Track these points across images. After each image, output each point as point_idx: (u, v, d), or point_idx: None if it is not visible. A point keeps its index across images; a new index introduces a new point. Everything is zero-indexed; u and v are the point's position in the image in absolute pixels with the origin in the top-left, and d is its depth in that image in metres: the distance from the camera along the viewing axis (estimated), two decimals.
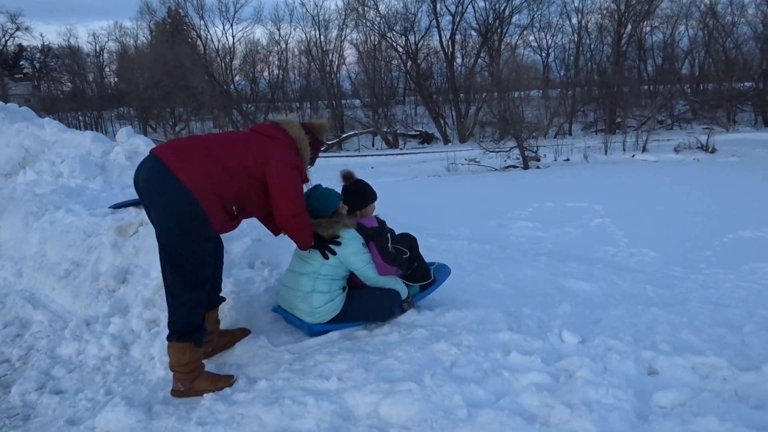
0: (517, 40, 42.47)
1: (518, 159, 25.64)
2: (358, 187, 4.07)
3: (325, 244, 3.62)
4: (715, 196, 15.35)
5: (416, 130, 37.87)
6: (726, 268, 9.71)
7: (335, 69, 42.37)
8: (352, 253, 3.63)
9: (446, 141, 35.97)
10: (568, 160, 27.40)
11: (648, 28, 41.76)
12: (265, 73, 45.49)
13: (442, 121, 37.38)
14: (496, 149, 26.35)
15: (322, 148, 3.86)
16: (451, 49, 37.86)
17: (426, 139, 36.55)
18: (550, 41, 47.36)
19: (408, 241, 4.13)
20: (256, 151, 3.26)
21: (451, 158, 26.31)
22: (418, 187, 20.65)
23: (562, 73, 45.28)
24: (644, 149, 28.56)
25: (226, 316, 3.93)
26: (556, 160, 27.36)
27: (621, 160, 26.78)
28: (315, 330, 3.71)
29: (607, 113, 36.62)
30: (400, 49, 38.93)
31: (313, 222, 3.62)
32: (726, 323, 4.91)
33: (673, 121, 38.52)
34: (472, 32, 39.66)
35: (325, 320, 3.68)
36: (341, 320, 3.72)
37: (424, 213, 14.65)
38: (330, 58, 41.59)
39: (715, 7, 39.81)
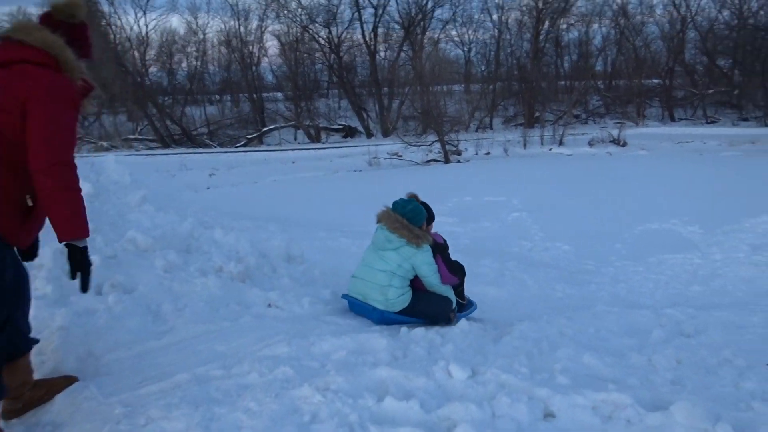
0: (440, 34, 42.50)
1: (440, 153, 25.45)
2: (424, 207, 4.68)
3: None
4: (625, 190, 15.56)
5: (339, 124, 37.08)
6: (635, 260, 9.72)
7: (256, 61, 40.95)
8: (425, 262, 4.35)
9: (369, 135, 35.44)
10: (488, 153, 27.45)
11: (564, 26, 42.73)
12: (183, 64, 43.41)
13: (365, 115, 36.79)
14: (418, 143, 26.06)
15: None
16: (373, 42, 37.29)
17: (349, 133, 35.88)
18: (471, 36, 47.65)
19: (459, 266, 4.83)
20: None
21: (374, 152, 25.83)
22: (338, 182, 20.05)
23: (483, 68, 45.78)
24: (561, 143, 29.03)
25: (49, 359, 3.10)
26: (477, 153, 27.34)
27: (539, 154, 27.10)
28: (386, 317, 4.25)
29: (526, 108, 37.12)
30: (323, 41, 38.05)
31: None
32: (633, 329, 4.62)
33: (587, 116, 39.52)
34: (395, 25, 39.40)
35: (396, 310, 4.28)
36: (408, 313, 4.31)
37: (343, 209, 14.12)
38: (250, 49, 40.12)
39: (626, 7, 41.24)
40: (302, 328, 3.58)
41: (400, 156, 26.03)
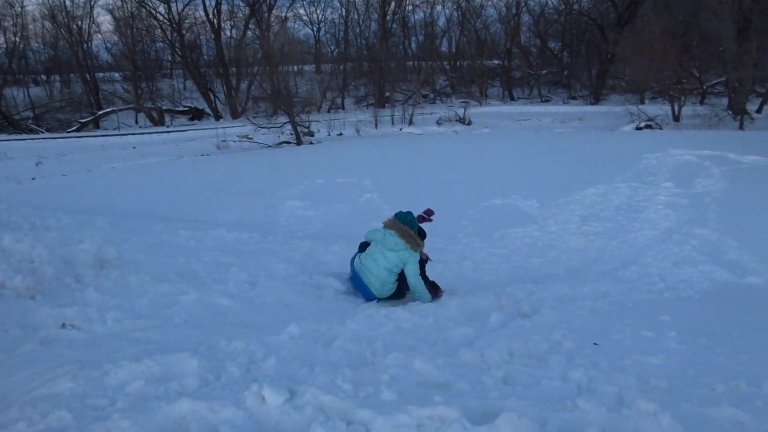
0: (288, 12, 41.51)
1: (291, 135, 24.81)
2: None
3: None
4: (471, 167, 16.08)
5: (185, 106, 34.87)
6: (481, 236, 9.96)
7: (87, 38, 37.20)
8: (411, 267, 5.35)
9: (217, 117, 33.73)
10: (341, 134, 27.28)
11: (410, 7, 43.64)
12: (1, 40, 38.37)
13: (212, 96, 34.94)
14: (269, 125, 25.18)
15: None
16: (217, 19, 35.38)
17: (196, 115, 33.89)
18: (320, 15, 47.02)
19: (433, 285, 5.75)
20: None
21: (222, 135, 24.61)
22: (183, 167, 18.75)
23: (333, 48, 45.49)
24: (410, 122, 29.57)
25: None
26: (329, 134, 27.07)
27: (390, 133, 27.40)
28: (376, 299, 5.36)
29: (377, 88, 37.44)
30: (162, 18, 35.43)
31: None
32: (474, 315, 4.57)
33: (435, 96, 40.75)
34: (240, 2, 37.70)
35: (385, 296, 5.42)
36: (394, 297, 5.44)
37: (187, 196, 13.16)
38: (80, 24, 36.34)
39: None
40: (97, 354, 2.99)
41: (251, 138, 25.06)
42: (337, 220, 10.97)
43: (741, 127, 23.64)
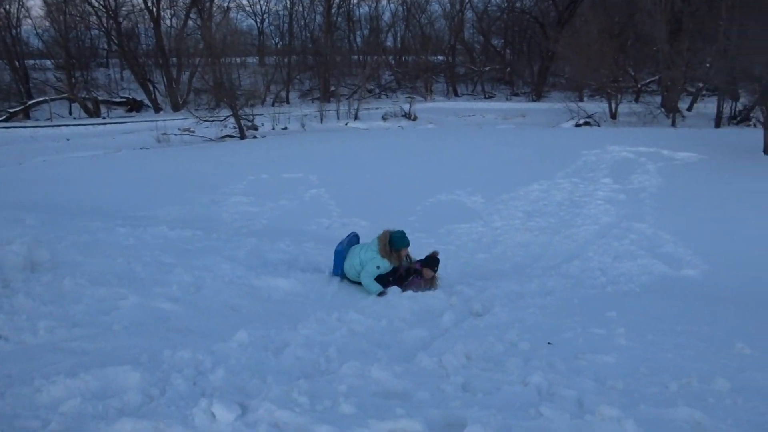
0: (230, 2, 40.56)
1: (235, 128, 24.28)
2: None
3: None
4: (417, 163, 16.08)
5: (122, 97, 33.54)
6: (427, 232, 9.95)
7: (15, 22, 35.20)
8: (370, 264, 5.90)
9: (157, 109, 32.62)
10: (285, 128, 26.91)
11: (355, 0, 43.41)
12: None
13: (151, 87, 33.74)
14: (211, 118, 24.58)
15: None
16: (156, 8, 34.16)
17: (134, 106, 32.65)
18: (264, 6, 46.14)
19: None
20: None
21: (163, 128, 23.85)
22: (121, 161, 18.05)
23: (277, 41, 44.72)
24: (356, 117, 29.44)
25: None
26: (274, 128, 26.66)
27: (336, 128, 27.19)
28: (341, 276, 6.20)
29: (322, 82, 37.10)
30: (97, 4, 33.91)
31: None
32: (426, 315, 4.53)
33: (380, 91, 40.74)
34: None
35: (352, 279, 6.01)
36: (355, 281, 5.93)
37: (126, 192, 12.62)
38: (7, 8, 34.34)
39: None
40: (28, 368, 2.74)
41: (193, 132, 24.41)
42: (283, 215, 10.78)
43: (673, 124, 24.62)
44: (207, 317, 4.08)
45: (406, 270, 6.31)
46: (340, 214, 10.91)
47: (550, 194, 12.11)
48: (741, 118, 24.12)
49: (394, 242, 6.15)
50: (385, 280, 6.03)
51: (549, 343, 3.48)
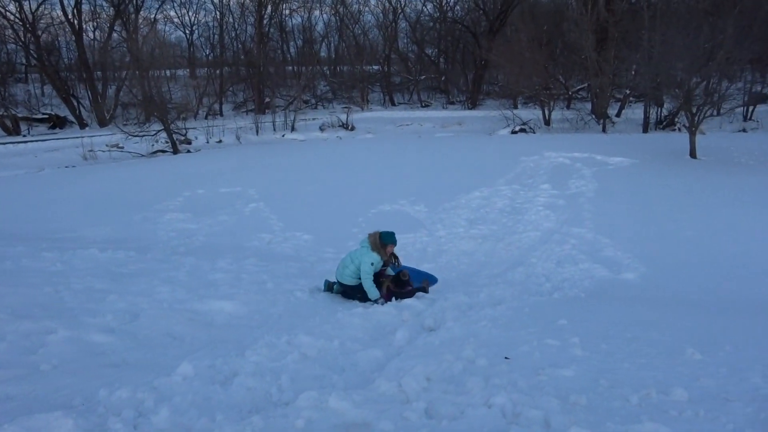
0: (157, 14, 39.48)
1: (167, 143, 23.59)
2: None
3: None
4: (357, 173, 16.06)
5: (44, 113, 31.99)
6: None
7: None
8: (365, 263, 6.48)
9: (83, 125, 31.19)
10: (220, 141, 26.40)
11: (287, 11, 43.10)
12: None
13: (75, 103, 32.30)
14: (141, 133, 23.79)
15: None
16: (78, 20, 32.77)
17: (57, 123, 31.13)
18: (193, 18, 45.13)
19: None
20: None
21: (89, 145, 22.86)
22: (45, 180, 17.14)
23: (208, 52, 43.85)
24: (293, 128, 29.18)
25: None
26: (208, 142, 26.11)
27: (272, 140, 26.87)
28: (336, 283, 6.76)
29: (256, 93, 36.57)
30: (12, 17, 32.22)
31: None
32: (378, 334, 4.43)
33: (317, 101, 40.53)
34: (103, 2, 35.23)
35: (345, 282, 6.62)
36: (353, 292, 6.56)
37: (51, 213, 11.98)
38: None
39: None
40: None
41: (121, 148, 23.54)
42: (223, 232, 10.50)
43: (604, 129, 25.59)
44: (146, 349, 3.83)
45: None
46: (282, 228, 10.72)
47: (492, 201, 12.29)
48: (666, 123, 25.35)
49: (383, 237, 6.74)
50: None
51: (506, 358, 3.44)
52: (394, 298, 6.84)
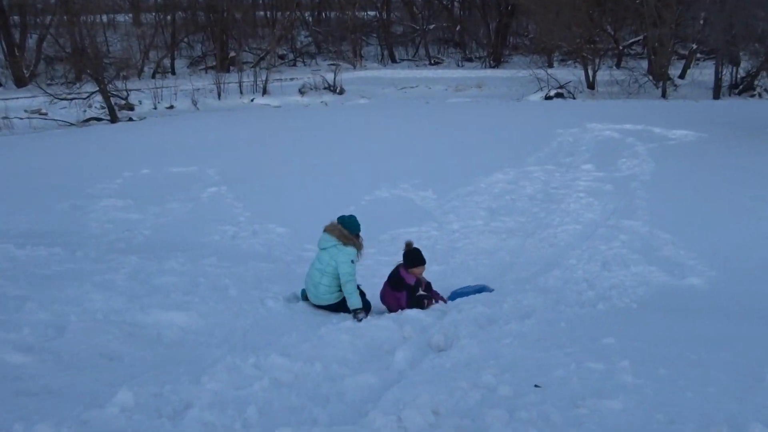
0: None
1: (103, 109, 23.61)
2: (412, 253, 7.03)
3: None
4: (346, 150, 16.05)
5: None
6: (365, 240, 9.89)
7: None
8: (344, 262, 6.50)
9: None
10: (172, 107, 26.45)
11: None
12: None
13: None
14: (70, 95, 23.83)
15: None
16: None
17: None
18: None
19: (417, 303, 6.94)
20: None
21: (3, 110, 22.85)
22: None
23: None
24: (265, 91, 29.17)
25: None
26: (156, 108, 26.14)
27: (239, 106, 26.86)
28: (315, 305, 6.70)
29: (218, 46, 36.46)
30: None
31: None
32: (372, 355, 4.43)
33: (296, 57, 40.49)
34: None
35: (323, 304, 6.64)
36: (334, 309, 6.60)
37: None
38: None
39: None
40: None
41: (45, 114, 23.58)
42: (174, 224, 10.56)
43: (664, 95, 25.60)
44: (74, 372, 3.81)
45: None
46: (249, 219, 10.76)
47: (519, 186, 12.31)
48: (743, 87, 25.35)
49: (349, 226, 6.76)
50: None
51: (536, 386, 3.44)
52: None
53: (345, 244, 6.58)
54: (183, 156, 15.46)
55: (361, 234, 6.88)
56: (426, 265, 7.07)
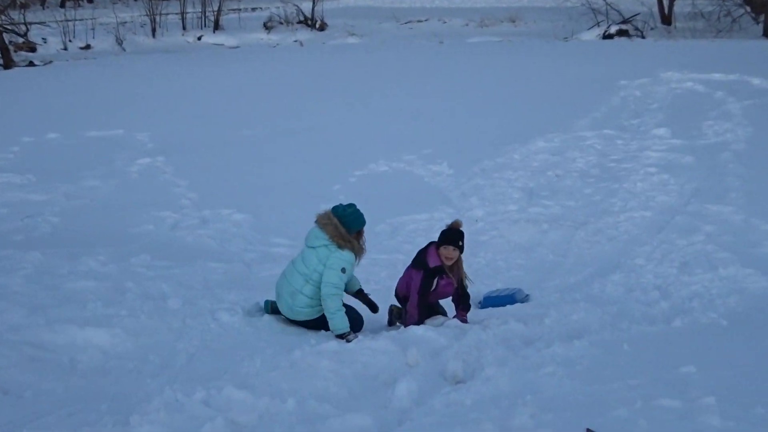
0: None
1: None
2: (448, 230, 7.12)
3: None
4: (332, 110, 16.03)
5: None
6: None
7: None
8: (333, 267, 6.53)
9: None
10: (88, 47, 26.48)
11: None
12: None
13: None
14: None
15: None
16: None
17: None
18: None
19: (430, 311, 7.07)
20: None
21: None
22: None
23: None
24: (217, 26, 29.16)
25: None
26: (66, 48, 26.19)
27: (181, 47, 26.86)
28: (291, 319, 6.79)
29: None
30: None
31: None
32: (365, 387, 4.46)
33: None
34: None
35: (299, 319, 6.70)
36: (312, 327, 6.68)
37: None
38: None
39: None
40: None
41: None
42: (92, 208, 10.63)
43: (766, 32, 25.56)
44: None
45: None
46: (195, 203, 10.77)
47: (567, 158, 12.34)
48: None
49: (348, 220, 6.68)
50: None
51: (589, 431, 3.47)
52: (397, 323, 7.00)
53: (340, 246, 6.55)
54: (104, 116, 15.54)
55: (364, 230, 6.87)
56: (459, 252, 7.01)
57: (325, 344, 5.55)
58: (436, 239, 7.08)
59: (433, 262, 6.86)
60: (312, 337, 6.14)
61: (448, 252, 6.88)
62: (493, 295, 7.69)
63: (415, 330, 6.16)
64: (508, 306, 7.36)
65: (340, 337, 6.27)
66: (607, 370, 4.59)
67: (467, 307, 7.11)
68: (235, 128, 14.55)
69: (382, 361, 5.08)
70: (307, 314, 6.60)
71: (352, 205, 6.82)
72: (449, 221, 10.07)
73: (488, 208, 10.56)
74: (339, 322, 6.39)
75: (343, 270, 6.53)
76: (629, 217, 9.96)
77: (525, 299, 7.62)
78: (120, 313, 5.89)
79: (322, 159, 12.64)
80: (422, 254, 7.01)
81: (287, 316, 6.65)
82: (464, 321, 6.91)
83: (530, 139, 13.04)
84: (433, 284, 6.94)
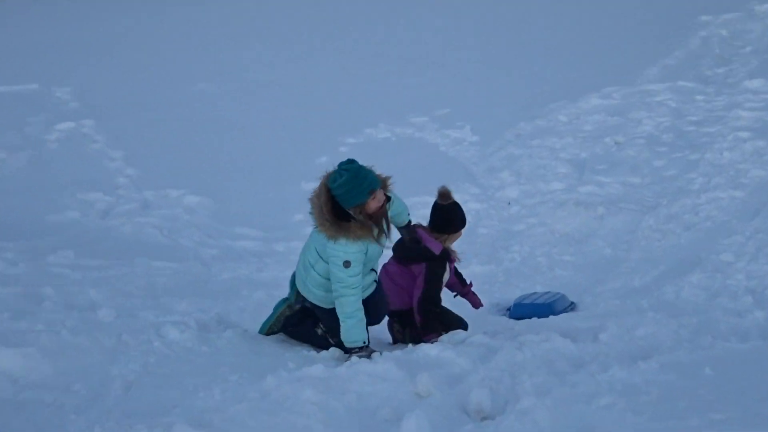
0: None
1: None
2: (446, 208, 7.09)
3: None
4: (317, 59, 16.15)
5: None
6: None
7: None
8: (330, 261, 6.50)
9: None
10: None
11: None
12: None
13: None
14: None
15: None
16: None
17: None
18: None
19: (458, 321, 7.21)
20: None
21: None
22: None
23: None
24: None
25: None
26: None
27: None
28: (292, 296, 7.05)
29: None
30: None
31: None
32: (363, 424, 4.49)
33: None
34: None
35: (311, 299, 6.82)
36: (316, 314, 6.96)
37: None
38: None
39: None
40: None
41: None
42: None
43: None
44: None
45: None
46: (134, 182, 10.85)
47: (631, 120, 12.36)
48: None
49: (341, 194, 6.39)
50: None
51: None
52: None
53: (330, 237, 6.37)
54: (11, 65, 15.67)
55: (376, 197, 6.45)
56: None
57: (308, 369, 5.52)
58: (414, 223, 6.97)
59: (437, 248, 6.82)
60: (289, 360, 6.13)
61: (456, 238, 7.10)
62: (526, 302, 7.64)
63: (427, 349, 6.12)
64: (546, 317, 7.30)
65: (351, 351, 6.28)
66: (683, 401, 4.60)
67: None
68: (186, 82, 14.59)
69: (383, 391, 5.07)
70: (319, 298, 6.67)
71: (346, 169, 6.34)
72: (477, 205, 10.34)
73: (525, 187, 10.58)
74: (350, 330, 6.35)
75: (347, 264, 6.35)
76: (713, 198, 9.94)
77: (569, 308, 7.59)
78: (35, 328, 5.90)
79: (304, 123, 12.68)
80: (413, 241, 6.89)
81: (299, 290, 6.74)
82: (478, 302, 7.29)
83: (581, 95, 13.06)
84: (448, 273, 7.03)
